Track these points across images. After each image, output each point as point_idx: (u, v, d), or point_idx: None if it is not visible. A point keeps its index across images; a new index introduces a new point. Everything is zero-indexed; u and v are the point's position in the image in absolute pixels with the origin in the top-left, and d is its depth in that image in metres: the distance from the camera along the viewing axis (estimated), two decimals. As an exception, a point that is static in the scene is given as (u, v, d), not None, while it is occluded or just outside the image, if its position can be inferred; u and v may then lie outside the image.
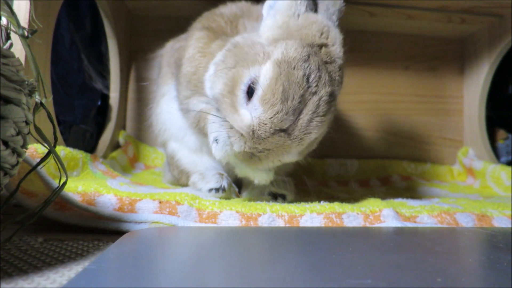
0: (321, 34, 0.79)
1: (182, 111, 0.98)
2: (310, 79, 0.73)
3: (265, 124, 0.71)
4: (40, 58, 0.86)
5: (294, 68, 0.72)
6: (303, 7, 0.82)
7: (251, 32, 0.89)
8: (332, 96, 0.76)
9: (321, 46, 0.78)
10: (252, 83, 0.74)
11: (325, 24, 0.81)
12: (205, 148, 1.03)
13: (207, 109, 0.88)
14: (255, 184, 0.97)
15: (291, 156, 0.78)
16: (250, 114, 0.73)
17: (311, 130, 0.74)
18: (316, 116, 0.74)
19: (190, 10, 1.17)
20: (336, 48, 0.80)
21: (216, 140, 0.79)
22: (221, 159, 0.79)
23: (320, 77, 0.74)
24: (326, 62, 0.78)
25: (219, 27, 0.94)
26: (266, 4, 0.85)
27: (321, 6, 0.87)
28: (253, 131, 0.72)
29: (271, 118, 0.71)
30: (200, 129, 0.92)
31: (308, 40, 0.77)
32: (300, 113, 0.72)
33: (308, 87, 0.73)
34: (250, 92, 0.74)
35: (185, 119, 0.99)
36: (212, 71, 0.85)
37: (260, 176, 0.83)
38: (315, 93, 0.73)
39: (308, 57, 0.74)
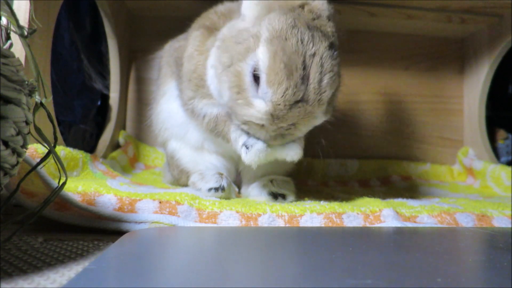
0: None
1: (187, 111, 0.99)
2: (305, 42, 0.73)
3: (279, 104, 0.73)
4: (40, 58, 0.86)
5: (286, 39, 0.72)
6: None
7: None
8: (332, 48, 0.77)
9: (302, 6, 0.78)
10: (254, 70, 0.75)
11: None
12: (206, 145, 1.03)
13: (224, 114, 0.89)
14: (255, 183, 0.97)
15: (318, 119, 0.79)
16: (263, 100, 0.75)
17: (325, 88, 0.75)
18: (325, 74, 0.74)
19: (190, 10, 1.17)
20: (318, 2, 0.80)
21: (245, 145, 0.81)
22: (253, 164, 0.81)
23: (313, 36, 0.74)
24: (313, 19, 0.78)
25: (212, 23, 0.95)
26: None
27: None
28: (271, 115, 0.74)
29: (282, 96, 0.72)
30: (218, 133, 0.93)
31: (288, 5, 0.77)
32: (308, 78, 0.73)
33: (306, 51, 0.73)
34: (256, 80, 0.75)
35: (192, 119, 0.99)
36: (212, 73, 0.86)
37: (290, 155, 0.83)
38: (314, 54, 0.74)
39: (294, 22, 0.74)
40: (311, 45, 0.74)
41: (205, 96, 0.91)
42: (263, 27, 0.75)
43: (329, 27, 0.79)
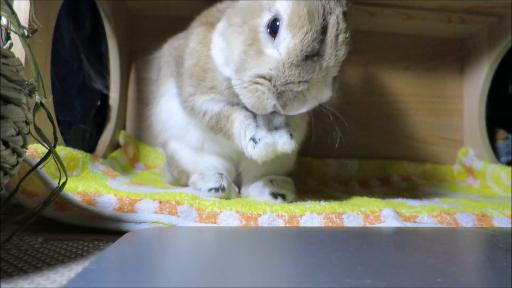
0: None
1: (186, 109, 0.97)
2: (323, 1, 0.75)
3: (296, 49, 0.72)
4: (40, 58, 0.86)
5: None
6: None
7: None
8: (345, 16, 0.78)
9: None
10: (274, 17, 0.75)
11: None
12: (206, 146, 1.03)
13: (229, 109, 0.89)
14: (255, 183, 0.97)
15: (327, 90, 0.79)
16: (277, 51, 0.74)
17: (341, 46, 0.76)
18: (340, 33, 0.76)
19: (190, 10, 1.17)
20: None
21: (253, 139, 0.80)
22: (260, 159, 0.80)
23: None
24: None
25: (216, 19, 0.95)
26: None
27: None
28: (283, 64, 0.73)
29: (301, 40, 0.72)
30: (219, 130, 0.92)
31: None
32: (326, 31, 0.74)
33: (324, 8, 0.75)
34: (272, 32, 0.76)
35: (191, 118, 0.98)
36: (220, 40, 0.85)
37: (280, 142, 0.82)
38: (331, 12, 0.75)
39: None
40: (328, 5, 0.75)
41: (206, 92, 0.91)
42: None
43: None
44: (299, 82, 0.72)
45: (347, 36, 0.77)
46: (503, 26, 1.45)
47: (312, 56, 0.73)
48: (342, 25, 0.76)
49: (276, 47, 0.75)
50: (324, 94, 0.80)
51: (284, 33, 0.74)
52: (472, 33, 1.62)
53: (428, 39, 1.67)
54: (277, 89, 0.73)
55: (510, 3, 1.34)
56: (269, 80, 0.74)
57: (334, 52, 0.75)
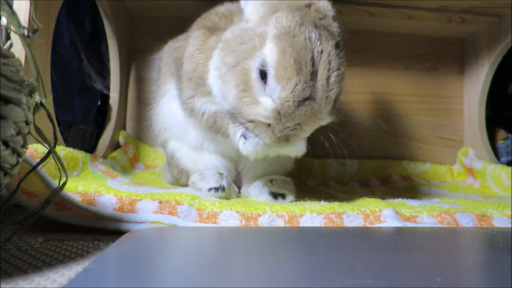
0: None
1: (186, 110, 0.98)
2: (313, 40, 0.74)
3: (288, 101, 0.72)
4: (40, 58, 0.86)
5: (294, 35, 0.73)
6: None
7: None
8: (338, 48, 0.77)
9: (308, 5, 0.79)
10: (262, 66, 0.74)
11: None
12: (206, 145, 1.03)
13: (223, 111, 0.89)
14: (255, 183, 0.97)
15: (323, 119, 0.79)
16: (271, 98, 0.74)
17: (333, 86, 0.75)
18: (332, 72, 0.75)
19: (190, 10, 1.17)
20: (324, 3, 0.80)
21: (243, 136, 0.80)
22: (251, 155, 0.80)
23: (320, 34, 0.75)
24: (320, 19, 0.78)
25: (214, 24, 0.95)
26: None
27: None
28: (278, 112, 0.73)
29: (291, 92, 0.72)
30: (217, 130, 0.92)
31: (295, 5, 0.78)
32: (316, 75, 0.73)
33: (314, 48, 0.73)
34: (263, 77, 0.75)
35: (191, 118, 0.98)
36: (215, 75, 0.84)
37: (294, 151, 0.83)
38: (322, 51, 0.74)
39: (302, 20, 0.74)
40: (318, 43, 0.74)
41: (204, 95, 0.91)
42: (270, 25, 0.75)
43: (335, 27, 0.80)
44: (293, 125, 0.75)
45: (340, 73, 0.76)
46: (503, 26, 1.45)
47: (304, 100, 0.73)
48: (334, 63, 0.75)
49: (268, 94, 0.74)
50: (320, 124, 0.80)
51: (273, 84, 0.73)
52: (472, 33, 1.62)
53: (428, 39, 1.67)
54: (275, 134, 0.75)
55: (510, 3, 1.34)
56: (267, 125, 0.76)
57: (326, 94, 0.74)
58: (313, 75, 0.73)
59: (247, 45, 0.77)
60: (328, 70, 0.74)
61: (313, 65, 0.73)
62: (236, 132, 0.84)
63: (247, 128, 0.80)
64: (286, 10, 0.76)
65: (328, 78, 0.74)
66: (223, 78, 0.82)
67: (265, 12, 0.80)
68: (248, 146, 0.80)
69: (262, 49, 0.74)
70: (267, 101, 0.75)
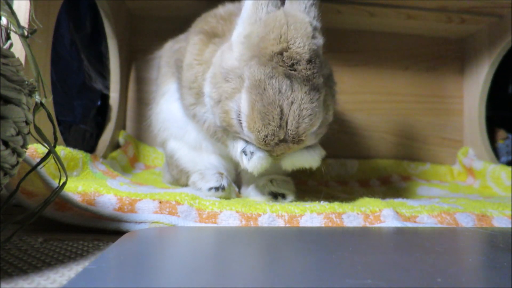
0: (280, 38, 0.75)
1: (188, 116, 1.00)
2: (283, 91, 0.74)
3: (262, 144, 0.77)
4: (40, 58, 0.86)
5: (264, 89, 0.74)
6: (264, 10, 0.80)
7: None
8: (312, 91, 0.76)
9: (281, 52, 0.75)
10: (237, 115, 0.78)
11: (282, 23, 0.76)
12: (205, 145, 1.04)
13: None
14: (255, 183, 0.97)
15: (308, 142, 0.80)
16: (251, 136, 0.78)
17: (303, 130, 0.76)
18: (303, 119, 0.75)
19: (190, 10, 1.17)
20: (299, 44, 0.75)
21: (244, 152, 0.83)
22: (255, 172, 0.82)
23: (291, 84, 0.74)
24: (292, 65, 0.75)
25: (212, 28, 0.95)
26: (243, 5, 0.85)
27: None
28: (259, 143, 0.77)
29: (263, 139, 0.76)
30: (218, 139, 0.94)
31: (268, 53, 0.75)
32: (286, 124, 0.75)
33: (284, 100, 0.74)
34: (241, 122, 0.79)
35: (193, 123, 1.00)
36: (208, 101, 0.88)
37: (308, 161, 0.86)
38: (293, 101, 0.74)
39: (272, 72, 0.74)
40: (289, 93, 0.74)
41: (204, 105, 0.92)
42: (245, 74, 0.77)
43: (309, 70, 0.76)
44: (278, 154, 0.80)
45: (312, 118, 0.75)
46: (503, 26, 1.45)
47: (279, 142, 0.76)
48: (306, 111, 0.75)
49: (247, 134, 0.78)
50: (304, 145, 0.82)
51: (247, 131, 0.77)
52: (472, 33, 1.62)
53: (428, 39, 1.67)
54: (267, 147, 0.78)
55: (510, 3, 1.34)
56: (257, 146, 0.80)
57: (297, 139, 0.76)
58: (282, 125, 0.75)
59: (229, 84, 0.80)
60: (298, 120, 0.75)
61: (281, 118, 0.74)
62: (235, 146, 0.86)
63: (246, 142, 0.83)
64: (260, 60, 0.75)
65: (297, 127, 0.75)
66: (211, 108, 0.86)
67: (246, 49, 0.79)
68: (253, 163, 0.81)
69: (241, 94, 0.77)
70: (249, 136, 0.79)
